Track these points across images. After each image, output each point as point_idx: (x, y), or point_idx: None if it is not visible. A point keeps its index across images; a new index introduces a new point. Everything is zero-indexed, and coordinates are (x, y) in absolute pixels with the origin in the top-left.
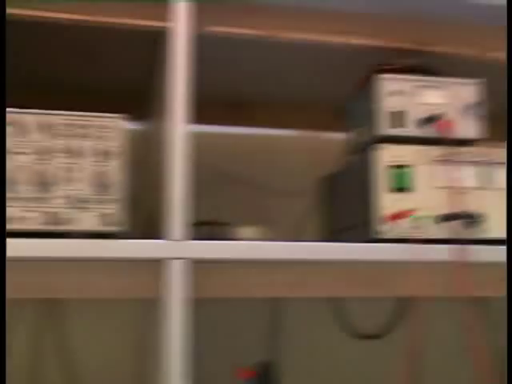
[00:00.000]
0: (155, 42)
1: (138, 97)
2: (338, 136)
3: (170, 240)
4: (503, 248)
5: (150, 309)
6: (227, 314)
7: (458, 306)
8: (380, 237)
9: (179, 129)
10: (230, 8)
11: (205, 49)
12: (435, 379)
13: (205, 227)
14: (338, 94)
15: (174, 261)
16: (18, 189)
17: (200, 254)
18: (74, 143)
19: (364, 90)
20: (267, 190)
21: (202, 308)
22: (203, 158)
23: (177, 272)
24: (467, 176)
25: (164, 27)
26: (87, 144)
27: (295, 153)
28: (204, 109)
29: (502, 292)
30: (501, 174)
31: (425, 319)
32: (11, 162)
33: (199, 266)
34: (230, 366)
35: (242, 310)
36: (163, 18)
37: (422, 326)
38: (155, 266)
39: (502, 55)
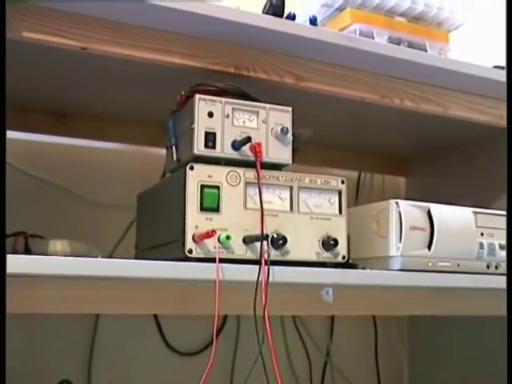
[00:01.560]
0: None
1: None
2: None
3: None
4: (307, 269)
5: None
6: (43, 329)
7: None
8: (189, 255)
9: None
10: (50, 16)
11: (26, 55)
12: None
13: (10, 239)
14: (165, 111)
15: None
16: None
17: None
18: None
19: (182, 109)
20: (90, 203)
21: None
22: (27, 166)
23: None
24: (276, 199)
25: None
26: None
27: (120, 167)
28: (27, 116)
29: (312, 312)
30: (307, 198)
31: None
32: None
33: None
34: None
35: (60, 326)
36: None
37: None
38: None
39: (314, 85)
